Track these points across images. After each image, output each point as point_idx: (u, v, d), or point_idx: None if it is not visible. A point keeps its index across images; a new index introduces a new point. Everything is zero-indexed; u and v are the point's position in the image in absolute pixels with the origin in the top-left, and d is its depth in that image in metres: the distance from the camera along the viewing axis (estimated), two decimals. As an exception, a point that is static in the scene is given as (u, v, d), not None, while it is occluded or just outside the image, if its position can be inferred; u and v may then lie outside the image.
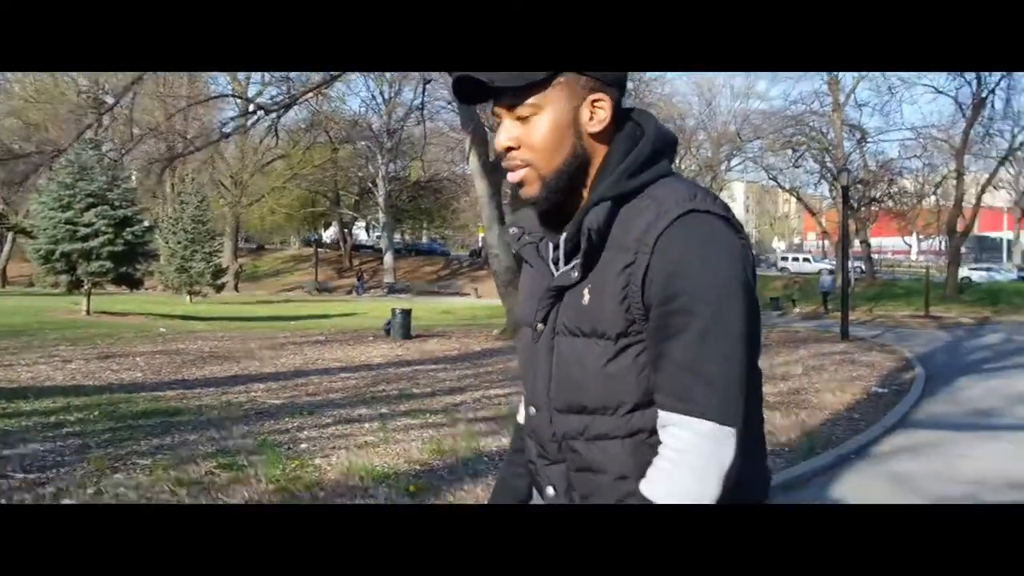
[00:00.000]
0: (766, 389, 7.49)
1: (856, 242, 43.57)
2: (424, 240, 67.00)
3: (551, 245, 1.38)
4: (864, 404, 9.05)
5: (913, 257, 61.70)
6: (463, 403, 8.28)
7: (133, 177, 33.46)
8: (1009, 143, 36.66)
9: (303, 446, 6.02)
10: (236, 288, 44.70)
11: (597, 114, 1.31)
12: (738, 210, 71.66)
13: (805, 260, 53.03)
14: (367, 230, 66.30)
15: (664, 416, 1.23)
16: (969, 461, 6.46)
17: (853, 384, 10.63)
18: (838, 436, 7.15)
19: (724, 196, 55.05)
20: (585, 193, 1.33)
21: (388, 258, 49.19)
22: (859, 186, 38.19)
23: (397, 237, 50.84)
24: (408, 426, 6.91)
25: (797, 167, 42.44)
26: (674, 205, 1.23)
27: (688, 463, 1.21)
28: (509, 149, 1.32)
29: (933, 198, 40.86)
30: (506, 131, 1.32)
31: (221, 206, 46.08)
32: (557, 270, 1.36)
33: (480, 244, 51.82)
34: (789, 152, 41.28)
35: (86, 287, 21.90)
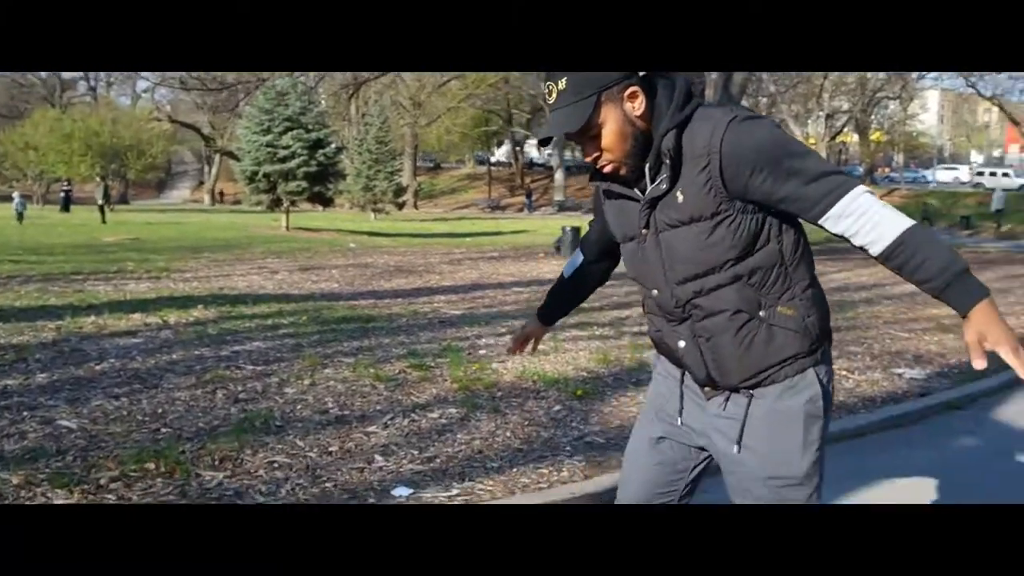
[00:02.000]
0: (942, 311, 7.54)
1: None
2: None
3: (639, 175, 1.80)
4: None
5: None
6: (628, 317, 8.68)
7: (323, 101, 35.45)
8: None
9: (482, 352, 6.65)
10: (415, 206, 46.82)
11: (636, 103, 1.72)
12: (931, 120, 66.21)
13: (1004, 175, 48.60)
14: (538, 148, 66.75)
15: (836, 212, 1.66)
16: None
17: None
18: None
19: (914, 106, 51.03)
20: (648, 146, 1.76)
21: (559, 176, 49.56)
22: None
23: (568, 155, 50.97)
24: (576, 337, 7.41)
25: (1000, 71, 38.63)
26: (721, 119, 1.68)
27: (878, 205, 1.66)
28: (595, 159, 1.78)
29: None
30: (586, 150, 1.78)
31: (401, 127, 47.98)
32: (644, 191, 1.80)
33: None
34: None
35: (285, 205, 23.80)
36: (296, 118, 23.44)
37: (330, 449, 4.23)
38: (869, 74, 40.45)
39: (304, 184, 23.25)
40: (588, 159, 1.79)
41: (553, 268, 13.98)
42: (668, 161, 1.70)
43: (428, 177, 59.78)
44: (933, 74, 45.82)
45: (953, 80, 45.11)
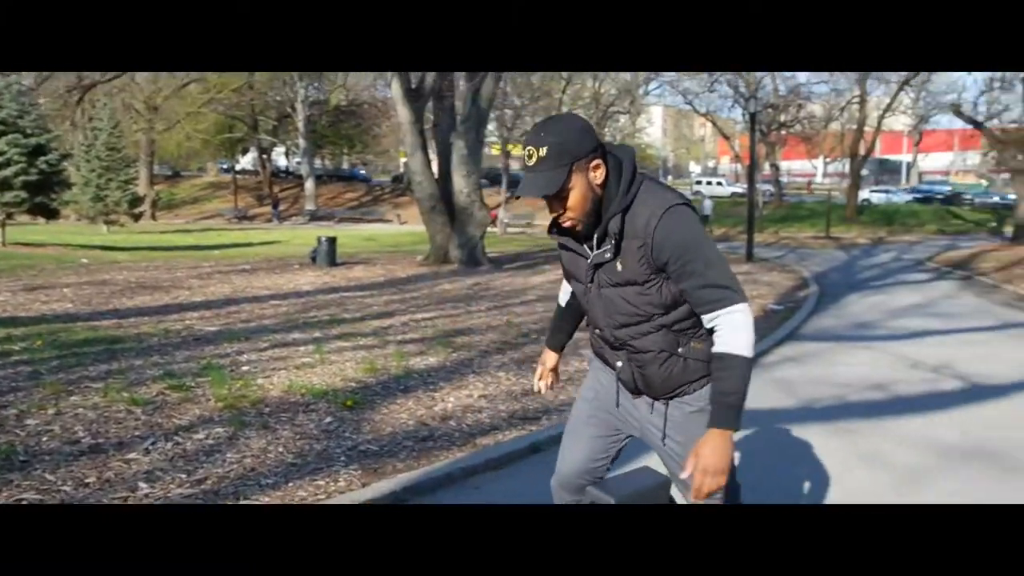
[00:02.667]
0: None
1: (766, 165, 45.05)
2: (345, 166, 66.16)
3: (587, 240, 2.25)
4: (760, 321, 9.91)
5: (819, 180, 63.99)
6: (391, 326, 8.82)
7: (42, 104, 32.18)
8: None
9: (244, 368, 6.48)
10: (153, 216, 43.69)
11: (598, 172, 2.15)
12: (656, 133, 72.53)
13: (718, 184, 54.56)
14: (286, 156, 65.00)
15: (711, 316, 2.14)
16: (843, 368, 7.36)
17: (752, 303, 11.49)
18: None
19: (642, 120, 55.63)
20: (599, 212, 2.19)
21: (309, 184, 48.51)
22: (769, 110, 39.37)
23: (317, 163, 50.02)
24: (341, 348, 7.43)
25: (712, 92, 43.26)
26: (658, 207, 2.12)
27: (742, 326, 2.12)
28: (560, 215, 2.20)
29: (838, 123, 42.48)
30: (552, 207, 2.20)
31: (135, 132, 44.58)
32: (591, 253, 2.25)
33: (402, 169, 51.43)
34: (704, 76, 42.04)
35: (0, 218, 21.36)
36: (12, 122, 21.13)
37: (87, 481, 3.98)
38: (603, 89, 43.44)
39: (23, 194, 20.97)
40: (553, 215, 2.22)
41: (310, 279, 13.78)
42: (613, 239, 2.16)
43: (167, 186, 56.01)
44: (657, 90, 50.29)
45: (674, 97, 49.66)
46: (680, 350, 2.26)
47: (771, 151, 43.36)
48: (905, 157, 66.10)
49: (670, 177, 61.54)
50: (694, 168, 73.69)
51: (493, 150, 44.65)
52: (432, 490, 4.12)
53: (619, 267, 2.19)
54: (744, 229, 19.74)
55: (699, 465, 2.07)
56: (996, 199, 44.73)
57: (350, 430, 4.96)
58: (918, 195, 48.59)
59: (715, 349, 2.14)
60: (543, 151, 2.07)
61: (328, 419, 5.16)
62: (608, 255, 2.18)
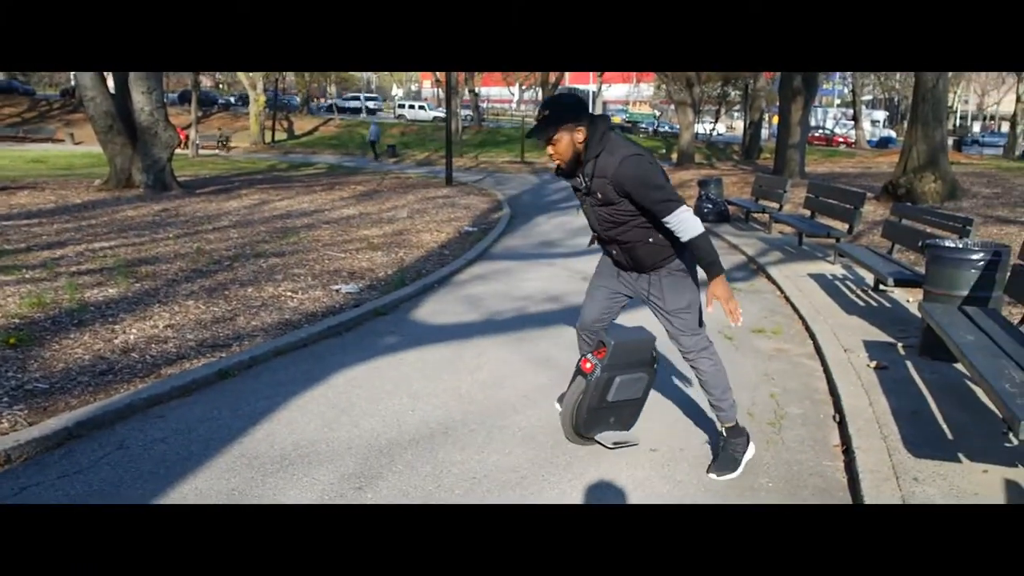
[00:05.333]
0: (374, 231, 8.53)
1: (466, 91, 46.22)
2: (2, 76, 57.63)
3: (579, 179, 3.37)
4: (454, 241, 10.38)
5: (514, 107, 67.03)
6: (64, 257, 8.06)
7: None
8: None
9: None
10: None
11: (578, 135, 3.27)
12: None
13: (421, 108, 55.16)
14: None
15: (667, 220, 3.20)
16: (526, 283, 7.97)
17: (449, 224, 12.00)
18: (427, 269, 8.30)
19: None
20: (581, 160, 3.30)
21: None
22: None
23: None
24: (2, 283, 6.70)
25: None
26: (617, 158, 3.20)
27: (688, 219, 3.20)
28: (551, 154, 3.33)
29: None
30: (548, 149, 3.32)
31: None
32: (583, 185, 3.35)
33: (72, 83, 45.91)
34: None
35: None
36: None
37: None
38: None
39: None
40: (548, 154, 3.33)
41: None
42: (590, 176, 3.29)
43: None
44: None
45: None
46: (650, 240, 3.37)
47: (469, 77, 44.44)
48: (591, 87, 70.98)
49: (372, 102, 60.71)
50: (397, 91, 73.58)
51: (182, 65, 41.07)
52: (111, 423, 3.95)
53: (599, 195, 3.31)
54: (445, 153, 20.23)
55: (719, 295, 3.19)
56: (666, 128, 49.75)
57: (14, 369, 4.56)
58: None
59: (683, 239, 3.21)
60: (545, 113, 3.28)
61: (-13, 359, 4.69)
62: (590, 187, 3.31)
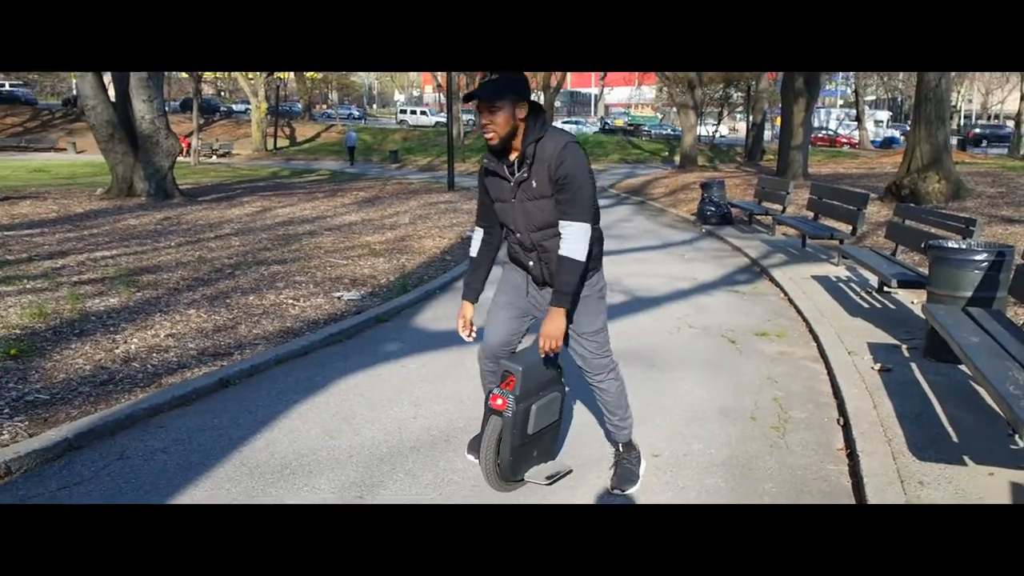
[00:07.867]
0: (376, 238, 8.49)
1: (469, 96, 46.21)
2: (5, 86, 57.78)
3: (505, 165, 3.08)
4: (457, 247, 10.35)
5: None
6: (65, 267, 8.06)
7: None
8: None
9: None
10: None
11: (520, 110, 2.99)
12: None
13: (423, 113, 55.21)
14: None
15: (564, 223, 2.97)
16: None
17: (451, 230, 11.98)
18: (429, 276, 8.29)
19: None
20: (515, 142, 3.03)
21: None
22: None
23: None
24: (3, 294, 6.70)
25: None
26: (561, 142, 2.97)
27: (578, 235, 2.95)
28: (485, 125, 2.98)
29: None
30: (484, 117, 2.98)
31: None
32: (512, 175, 3.06)
33: (75, 92, 46.05)
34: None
35: None
36: None
37: None
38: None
39: None
40: (482, 125, 3.00)
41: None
42: (529, 162, 3.00)
43: None
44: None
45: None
46: None
47: (471, 82, 44.47)
48: (594, 90, 70.99)
49: (375, 106, 60.92)
50: (399, 97, 73.69)
51: (181, 74, 41.39)
52: (112, 433, 3.93)
53: (534, 184, 3.01)
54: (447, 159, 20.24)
55: (551, 333, 2.98)
56: (668, 131, 49.75)
57: (15, 380, 4.55)
58: (607, 127, 52.75)
59: (562, 251, 2.96)
60: (495, 76, 2.97)
61: (-12, 371, 4.68)
62: (526, 174, 3.01)
